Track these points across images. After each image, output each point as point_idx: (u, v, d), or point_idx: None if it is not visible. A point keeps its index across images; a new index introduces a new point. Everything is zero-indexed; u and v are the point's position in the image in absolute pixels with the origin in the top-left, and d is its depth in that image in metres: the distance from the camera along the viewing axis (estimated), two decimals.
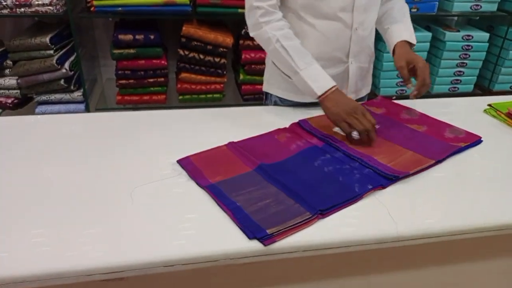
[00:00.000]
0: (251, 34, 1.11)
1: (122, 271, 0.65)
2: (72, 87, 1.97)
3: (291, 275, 0.81)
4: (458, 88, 2.33)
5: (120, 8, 1.79)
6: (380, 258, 0.83)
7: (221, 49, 1.94)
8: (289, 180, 0.81)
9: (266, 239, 0.67)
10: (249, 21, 1.09)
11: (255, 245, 0.69)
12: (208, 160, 0.89)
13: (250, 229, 0.69)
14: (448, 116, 1.22)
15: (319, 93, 1.02)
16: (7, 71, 1.98)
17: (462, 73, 2.28)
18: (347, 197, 0.78)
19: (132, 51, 1.89)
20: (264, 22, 1.05)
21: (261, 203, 0.75)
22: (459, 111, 1.30)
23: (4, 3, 1.75)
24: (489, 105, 1.30)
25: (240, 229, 0.70)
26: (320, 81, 1.04)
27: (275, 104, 1.27)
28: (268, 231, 0.68)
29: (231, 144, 0.95)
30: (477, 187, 0.88)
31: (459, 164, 0.98)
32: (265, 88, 1.30)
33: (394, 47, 1.21)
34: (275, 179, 0.82)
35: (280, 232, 0.69)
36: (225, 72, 2.04)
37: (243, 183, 0.80)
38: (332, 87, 1.03)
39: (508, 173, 0.94)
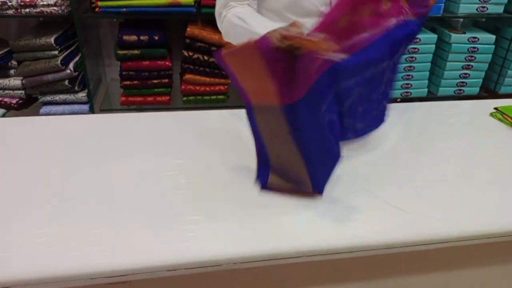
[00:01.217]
0: (225, 39, 1.08)
1: (125, 275, 0.65)
2: (76, 88, 1.97)
3: (296, 279, 0.80)
4: (463, 91, 2.31)
5: (124, 9, 1.79)
6: (383, 263, 0.82)
7: None
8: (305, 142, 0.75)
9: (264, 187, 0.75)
10: (219, 25, 1.08)
11: (259, 250, 0.69)
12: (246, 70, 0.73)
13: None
14: (454, 118, 1.21)
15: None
16: (11, 71, 1.98)
17: (468, 75, 2.26)
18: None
19: (136, 51, 1.89)
20: (228, 12, 1.03)
21: (280, 160, 0.77)
22: (465, 114, 1.29)
23: (9, 4, 1.75)
24: (495, 108, 1.29)
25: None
26: (267, 26, 0.91)
27: None
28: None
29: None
30: (483, 191, 0.87)
31: (464, 167, 0.97)
32: None
33: None
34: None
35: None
36: None
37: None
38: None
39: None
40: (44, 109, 2.01)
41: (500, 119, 1.24)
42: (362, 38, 0.86)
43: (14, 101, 1.99)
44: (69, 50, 1.95)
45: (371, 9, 0.94)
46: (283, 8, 1.09)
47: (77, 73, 1.94)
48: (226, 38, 1.08)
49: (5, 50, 1.95)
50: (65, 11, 1.82)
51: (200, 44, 1.91)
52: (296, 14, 1.10)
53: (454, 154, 1.02)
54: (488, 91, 2.43)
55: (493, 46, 2.20)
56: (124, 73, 1.95)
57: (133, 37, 1.86)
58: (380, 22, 0.93)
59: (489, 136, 1.13)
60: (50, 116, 1.17)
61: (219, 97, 2.08)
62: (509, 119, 1.22)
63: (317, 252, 0.71)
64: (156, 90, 2.02)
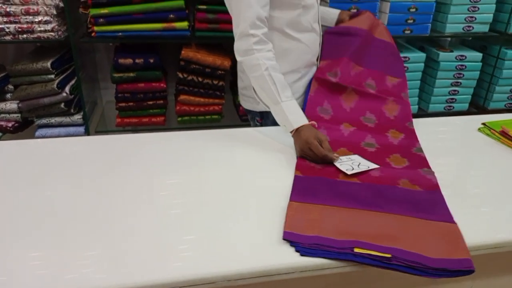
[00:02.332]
0: (239, 59, 1.16)
1: None
2: (72, 110, 1.99)
3: None
4: (453, 107, 2.36)
5: (120, 33, 1.83)
6: (384, 276, 0.83)
7: (219, 71, 1.97)
8: None
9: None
10: (241, 46, 1.13)
11: (253, 266, 0.70)
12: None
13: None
14: (443, 134, 1.24)
15: (296, 126, 1.09)
16: (8, 95, 2.01)
17: (457, 92, 2.31)
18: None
19: (132, 74, 1.92)
20: (257, 50, 1.11)
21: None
22: (454, 130, 1.33)
23: (7, 30, 1.79)
24: (483, 123, 1.33)
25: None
26: (297, 115, 1.11)
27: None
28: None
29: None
30: (476, 206, 0.89)
31: (456, 182, 0.99)
32: (258, 108, 1.36)
33: (338, 16, 1.45)
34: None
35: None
36: (223, 94, 2.07)
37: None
38: (305, 124, 1.09)
39: (504, 191, 0.96)
40: (40, 132, 2.02)
41: (488, 134, 1.28)
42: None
43: (10, 124, 2.01)
44: (65, 74, 1.98)
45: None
46: (284, 25, 1.23)
47: (73, 96, 1.96)
48: (245, 68, 1.16)
49: (2, 74, 1.98)
50: (62, 36, 1.86)
51: (194, 66, 1.95)
52: (295, 30, 1.25)
53: (446, 170, 1.04)
54: (477, 107, 2.48)
55: (480, 64, 2.26)
56: (119, 95, 1.98)
57: (129, 60, 1.89)
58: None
59: (479, 151, 1.16)
60: (46, 139, 1.18)
61: (214, 117, 2.11)
62: (496, 134, 1.26)
63: (309, 268, 0.72)
64: (151, 111, 2.05)
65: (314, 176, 0.97)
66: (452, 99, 2.33)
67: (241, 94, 1.41)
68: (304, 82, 1.34)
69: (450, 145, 1.18)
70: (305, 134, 1.06)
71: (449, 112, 2.36)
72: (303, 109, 1.21)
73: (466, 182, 0.99)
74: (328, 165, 1.03)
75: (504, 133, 1.23)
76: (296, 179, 0.96)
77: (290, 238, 0.76)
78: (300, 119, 1.10)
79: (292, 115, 1.10)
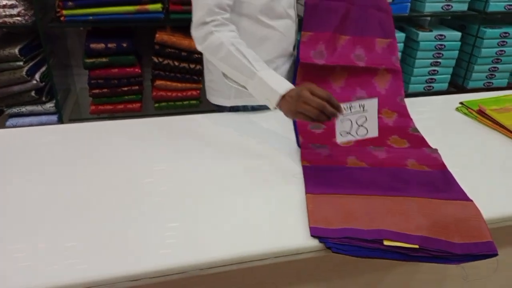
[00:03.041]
0: (200, 47, 1.06)
1: (105, 285, 0.64)
2: (43, 99, 1.92)
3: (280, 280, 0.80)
4: (433, 87, 2.36)
5: (91, 17, 1.76)
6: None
7: (196, 55, 1.92)
8: None
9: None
10: (199, 34, 1.04)
11: (238, 252, 0.69)
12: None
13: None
14: (422, 115, 1.23)
15: (282, 92, 0.93)
16: None
17: (436, 72, 2.31)
18: None
19: (104, 59, 1.86)
20: (217, 31, 1.02)
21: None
22: (432, 110, 1.32)
23: None
24: (461, 103, 1.32)
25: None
26: (279, 80, 0.97)
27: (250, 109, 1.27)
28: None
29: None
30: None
31: None
32: (228, 103, 1.28)
33: None
34: None
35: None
36: (200, 78, 2.02)
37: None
38: (291, 88, 0.96)
39: (482, 169, 0.95)
40: (11, 121, 1.95)
41: (465, 113, 1.27)
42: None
43: None
44: (34, 61, 1.90)
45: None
46: (257, 12, 1.13)
47: (43, 83, 1.89)
48: (208, 54, 1.06)
49: None
50: (29, 21, 1.78)
51: (170, 50, 1.89)
52: (268, 17, 1.16)
53: None
54: (456, 86, 2.49)
55: (459, 43, 2.26)
56: (92, 81, 1.92)
57: (101, 45, 1.83)
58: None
59: (456, 130, 1.16)
60: (16, 129, 1.13)
61: (192, 102, 2.06)
62: (473, 113, 1.25)
63: (285, 253, 0.70)
64: (126, 97, 1.99)
65: (322, 165, 0.95)
66: (431, 79, 2.33)
67: (209, 88, 1.32)
68: (279, 73, 1.24)
69: (427, 125, 1.17)
70: (293, 91, 0.92)
71: (428, 92, 2.36)
72: None
73: (446, 160, 0.98)
74: (332, 150, 1.00)
75: (481, 112, 1.23)
76: (306, 170, 0.92)
77: (319, 233, 0.73)
78: (284, 84, 0.95)
79: (274, 82, 0.96)
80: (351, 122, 0.93)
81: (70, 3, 1.72)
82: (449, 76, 2.36)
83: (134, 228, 0.74)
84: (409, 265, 0.87)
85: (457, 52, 2.28)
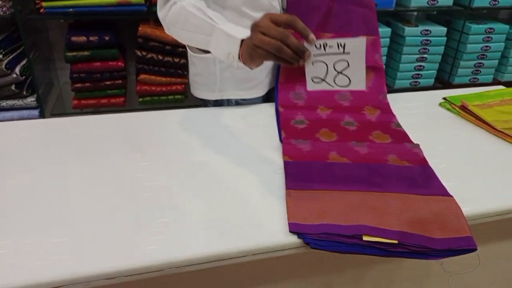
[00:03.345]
0: (165, 25, 1.00)
1: (93, 281, 0.63)
2: (24, 93, 1.88)
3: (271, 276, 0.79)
4: (419, 83, 2.36)
5: (71, 9, 1.72)
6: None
7: (180, 49, 1.89)
8: None
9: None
10: (162, 12, 0.99)
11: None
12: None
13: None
14: (406, 110, 1.22)
15: (242, 36, 0.82)
16: None
17: (422, 67, 2.31)
18: None
19: (86, 53, 1.82)
20: (180, 1, 0.96)
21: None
22: (416, 106, 1.31)
23: None
24: (444, 98, 1.32)
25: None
26: (241, 29, 0.87)
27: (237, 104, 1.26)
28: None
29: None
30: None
31: None
32: (213, 96, 1.26)
33: None
34: None
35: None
36: (185, 73, 2.00)
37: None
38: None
39: (466, 165, 0.95)
40: None
41: (448, 109, 1.27)
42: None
43: None
44: (14, 54, 1.85)
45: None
46: (241, 4, 1.10)
47: (24, 77, 1.85)
48: (171, 27, 1.00)
49: None
50: (8, 13, 1.73)
51: (153, 43, 1.86)
52: (253, 9, 1.12)
53: None
54: (442, 82, 2.50)
55: (445, 38, 2.26)
56: (74, 75, 1.88)
57: (82, 38, 1.79)
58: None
59: (438, 126, 1.15)
60: None
61: (177, 97, 2.04)
62: (456, 108, 1.25)
63: (277, 248, 0.70)
64: (109, 91, 1.96)
65: (304, 160, 0.93)
66: (417, 74, 2.33)
67: (193, 82, 1.29)
68: (264, 67, 1.23)
69: (410, 120, 1.16)
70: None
71: (414, 88, 2.37)
72: (276, 97, 1.15)
73: (429, 157, 0.98)
74: (314, 145, 0.99)
75: (463, 108, 1.23)
76: (287, 165, 0.91)
77: (297, 229, 0.72)
78: (245, 31, 0.82)
79: (234, 30, 0.85)
80: (326, 66, 0.75)
81: None
82: (435, 71, 2.37)
83: (123, 223, 0.72)
84: (392, 261, 0.86)
85: (443, 47, 2.29)
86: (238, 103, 1.26)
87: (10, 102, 1.89)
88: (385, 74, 1.24)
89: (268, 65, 1.25)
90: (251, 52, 0.77)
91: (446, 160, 0.97)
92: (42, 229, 0.70)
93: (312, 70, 0.76)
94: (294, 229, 0.72)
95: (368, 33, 1.24)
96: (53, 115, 2.00)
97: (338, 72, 0.75)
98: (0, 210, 0.74)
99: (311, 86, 0.79)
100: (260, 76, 1.25)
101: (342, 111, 1.17)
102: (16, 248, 0.66)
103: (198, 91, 1.29)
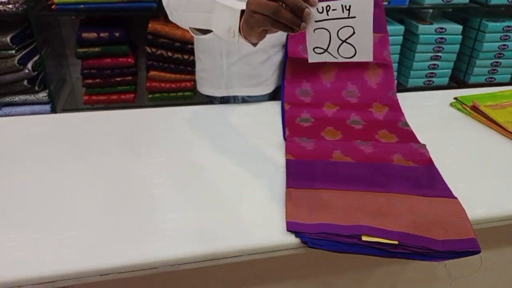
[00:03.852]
0: (169, 10, 0.98)
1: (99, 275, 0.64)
2: (36, 88, 1.91)
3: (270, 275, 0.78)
4: (433, 82, 2.32)
5: (82, 6, 1.74)
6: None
7: (190, 46, 1.89)
8: None
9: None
10: (166, 1, 0.97)
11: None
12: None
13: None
14: (416, 110, 1.20)
15: (242, 7, 0.77)
16: None
17: (436, 66, 2.26)
18: None
19: (97, 49, 1.84)
20: None
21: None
22: (427, 105, 1.28)
23: None
24: (455, 98, 1.28)
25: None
26: (241, 2, 0.82)
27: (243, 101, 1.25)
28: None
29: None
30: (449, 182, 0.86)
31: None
32: (219, 93, 1.25)
33: None
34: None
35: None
36: (195, 70, 1.99)
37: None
38: None
39: (469, 166, 0.93)
40: (4, 110, 1.94)
41: (459, 109, 1.24)
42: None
43: None
44: (27, 50, 1.88)
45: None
46: None
47: (36, 73, 1.87)
48: (174, 11, 0.96)
49: None
50: (20, 9, 1.75)
51: (163, 40, 1.86)
52: None
53: None
54: (458, 81, 2.44)
55: (461, 37, 2.21)
56: (85, 71, 1.90)
57: (93, 35, 1.80)
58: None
59: (448, 126, 1.13)
60: (6, 118, 1.10)
61: (186, 93, 2.04)
62: (468, 108, 1.22)
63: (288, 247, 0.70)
64: (119, 88, 1.97)
65: (307, 159, 0.92)
66: (432, 73, 2.28)
67: (199, 78, 1.28)
68: (271, 63, 1.23)
69: (419, 120, 1.13)
70: None
71: (428, 87, 2.32)
72: (282, 93, 1.14)
73: (439, 159, 0.95)
74: (318, 144, 0.97)
75: (474, 108, 1.19)
76: (289, 164, 0.89)
77: (295, 228, 0.71)
78: (244, 3, 0.77)
79: (233, 3, 0.81)
80: (329, 33, 0.68)
81: None
82: (450, 70, 2.31)
83: (133, 219, 0.73)
84: (395, 264, 0.84)
85: (458, 46, 2.23)
86: (245, 100, 1.25)
87: (23, 97, 1.92)
88: (393, 71, 1.22)
89: (275, 61, 1.24)
90: (248, 19, 0.71)
91: (456, 161, 0.94)
92: (50, 223, 0.70)
93: (313, 39, 0.69)
94: (291, 228, 0.71)
95: (376, 30, 1.21)
96: (65, 110, 2.02)
97: (342, 41, 0.67)
98: (5, 203, 0.75)
99: (313, 58, 0.72)
100: (267, 73, 1.24)
101: (349, 109, 1.15)
102: (23, 241, 0.67)
103: (204, 88, 1.29)
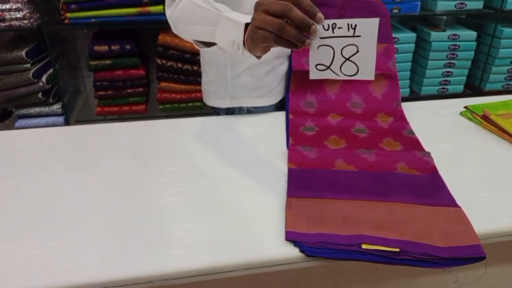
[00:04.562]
0: (172, 23, 0.98)
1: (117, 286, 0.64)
2: (50, 100, 1.95)
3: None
4: (447, 89, 2.27)
5: (94, 20, 1.78)
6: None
7: (199, 57, 1.89)
8: None
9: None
10: (170, 10, 0.97)
11: (252, 257, 0.67)
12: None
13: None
14: (423, 119, 1.17)
15: (246, 20, 0.77)
16: None
17: (450, 73, 2.22)
18: None
19: (108, 61, 1.87)
20: None
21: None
22: (435, 114, 1.26)
23: None
24: (465, 107, 1.25)
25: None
26: (246, 15, 0.82)
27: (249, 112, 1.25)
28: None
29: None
30: (456, 193, 0.84)
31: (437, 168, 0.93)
32: (224, 104, 1.26)
33: None
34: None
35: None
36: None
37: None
38: None
39: (476, 177, 0.90)
40: (19, 122, 1.99)
41: (469, 118, 1.21)
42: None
43: None
44: (42, 63, 1.93)
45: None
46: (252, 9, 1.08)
47: (50, 85, 1.92)
48: (177, 23, 0.97)
49: None
50: (35, 24, 1.81)
51: (173, 52, 1.89)
52: None
53: None
54: (473, 89, 2.39)
55: (475, 43, 2.16)
56: (97, 83, 1.93)
57: (104, 47, 1.84)
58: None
59: (457, 136, 1.10)
60: (19, 130, 1.14)
61: (196, 104, 2.05)
62: (478, 118, 1.19)
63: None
64: (131, 99, 2.00)
65: (309, 168, 0.91)
66: (445, 81, 2.24)
67: (205, 90, 1.29)
68: (275, 74, 1.22)
69: (427, 129, 1.11)
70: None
71: (442, 95, 2.27)
72: (286, 105, 1.14)
73: (448, 168, 0.93)
74: (320, 152, 0.96)
75: (485, 117, 1.16)
76: (291, 173, 0.89)
77: (293, 238, 0.70)
78: (250, 17, 0.76)
79: (238, 16, 0.80)
80: (333, 51, 0.68)
81: (73, 6, 1.73)
82: (465, 78, 2.27)
83: (149, 228, 0.74)
84: (403, 279, 0.82)
85: (472, 52, 2.18)
86: (250, 111, 1.25)
87: (37, 109, 1.97)
88: (398, 81, 1.20)
89: (279, 72, 1.24)
90: (252, 35, 0.71)
91: (459, 172, 0.92)
92: (70, 232, 0.72)
93: (317, 55, 0.70)
94: (290, 237, 0.70)
95: (381, 40, 1.20)
96: (78, 121, 2.06)
97: (345, 59, 0.68)
98: (24, 212, 0.77)
99: (314, 74, 0.73)
100: (272, 84, 1.24)
101: (354, 118, 1.14)
102: (43, 250, 0.68)
103: (210, 99, 1.29)
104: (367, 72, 0.68)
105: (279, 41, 0.67)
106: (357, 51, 0.67)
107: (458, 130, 1.14)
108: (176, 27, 0.99)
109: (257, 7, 0.70)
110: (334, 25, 0.66)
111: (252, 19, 0.71)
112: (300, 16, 0.65)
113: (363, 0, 1.18)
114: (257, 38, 0.69)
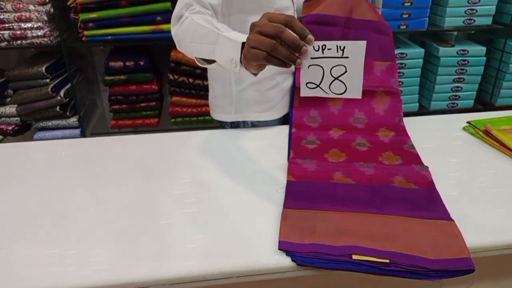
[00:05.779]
0: (177, 40, 1.00)
1: None
2: (68, 113, 2.03)
3: None
4: (457, 104, 2.27)
5: (109, 37, 1.86)
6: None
7: None
8: None
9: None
10: (175, 28, 1.00)
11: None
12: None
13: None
14: (425, 134, 1.19)
15: (243, 39, 0.80)
16: (8, 99, 2.07)
17: (460, 88, 2.22)
18: None
19: (123, 77, 1.95)
20: (192, 14, 0.95)
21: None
22: (437, 129, 1.27)
23: (2, 37, 1.84)
24: (468, 122, 1.26)
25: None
26: (243, 34, 0.84)
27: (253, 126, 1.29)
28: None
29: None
30: (454, 207, 0.85)
31: (438, 183, 0.94)
32: (229, 118, 1.30)
33: None
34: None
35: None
36: None
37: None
38: None
39: (474, 193, 0.91)
40: (38, 134, 2.07)
41: (472, 133, 1.22)
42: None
43: (10, 127, 2.07)
44: (61, 78, 2.02)
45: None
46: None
47: (67, 99, 2.00)
48: (181, 41, 1.00)
49: (2, 79, 2.04)
50: (54, 41, 1.90)
51: (184, 67, 1.95)
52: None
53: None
54: (484, 103, 2.38)
55: (484, 58, 2.17)
56: (112, 97, 2.01)
57: (119, 63, 1.91)
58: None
59: (458, 151, 1.11)
60: (37, 141, 1.20)
61: (206, 118, 2.11)
62: (480, 133, 1.20)
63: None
64: (144, 113, 2.07)
65: (307, 180, 0.94)
66: (455, 95, 2.24)
67: (212, 104, 1.34)
68: (280, 89, 1.26)
69: (428, 145, 1.13)
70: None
71: (452, 110, 2.27)
72: (290, 121, 1.18)
73: (449, 183, 0.94)
74: (319, 165, 0.99)
75: (487, 132, 1.17)
76: (289, 185, 0.92)
77: (286, 247, 0.73)
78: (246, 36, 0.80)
79: (236, 35, 0.83)
80: (323, 70, 0.72)
81: (90, 24, 1.82)
82: (475, 92, 2.26)
83: (160, 238, 0.77)
84: None
85: (482, 67, 2.19)
86: (254, 125, 1.28)
87: (55, 122, 2.05)
88: (401, 98, 1.22)
89: (284, 87, 1.27)
90: (246, 53, 0.75)
91: (458, 187, 0.93)
92: (83, 241, 0.76)
93: (307, 74, 0.74)
94: (283, 247, 0.73)
95: (383, 58, 1.22)
96: (93, 134, 2.13)
97: (334, 78, 0.73)
98: (39, 220, 0.82)
99: (305, 92, 0.76)
100: (276, 99, 1.27)
101: (355, 133, 1.16)
102: (58, 257, 0.72)
103: (216, 113, 1.34)
104: (355, 91, 0.73)
105: (271, 60, 0.71)
106: (345, 71, 0.71)
107: (460, 145, 1.15)
108: (180, 45, 1.05)
109: (252, 28, 0.74)
110: (324, 46, 0.70)
111: (247, 39, 0.74)
112: (292, 37, 0.69)
113: (367, 20, 1.21)
114: (250, 56, 0.73)
